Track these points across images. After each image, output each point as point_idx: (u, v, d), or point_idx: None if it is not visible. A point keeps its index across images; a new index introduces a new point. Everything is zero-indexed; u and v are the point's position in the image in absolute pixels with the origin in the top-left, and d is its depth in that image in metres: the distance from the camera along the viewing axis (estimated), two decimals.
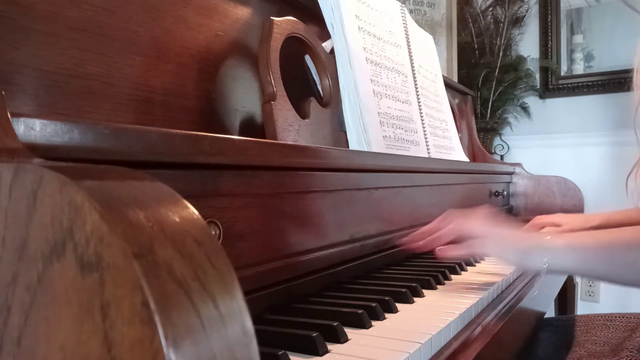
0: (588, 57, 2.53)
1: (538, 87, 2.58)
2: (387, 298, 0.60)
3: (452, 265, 0.83)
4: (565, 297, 1.68)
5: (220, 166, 0.52)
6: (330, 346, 0.47)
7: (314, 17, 0.95)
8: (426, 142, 1.17)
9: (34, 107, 0.53)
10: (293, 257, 0.63)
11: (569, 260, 0.68)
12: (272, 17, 0.81)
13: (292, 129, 0.79)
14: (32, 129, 0.35)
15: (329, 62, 0.92)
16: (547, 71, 2.54)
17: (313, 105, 0.85)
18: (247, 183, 0.56)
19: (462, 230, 0.74)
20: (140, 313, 0.21)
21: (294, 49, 0.88)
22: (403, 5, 1.23)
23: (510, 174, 1.77)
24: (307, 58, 0.93)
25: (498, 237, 0.72)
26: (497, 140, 2.64)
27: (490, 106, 2.50)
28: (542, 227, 1.10)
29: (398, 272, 0.81)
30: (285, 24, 0.83)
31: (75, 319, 0.23)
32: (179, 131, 0.47)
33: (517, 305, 0.70)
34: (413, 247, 0.78)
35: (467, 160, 1.48)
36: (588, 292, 2.41)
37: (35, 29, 0.53)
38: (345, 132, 0.91)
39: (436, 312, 0.59)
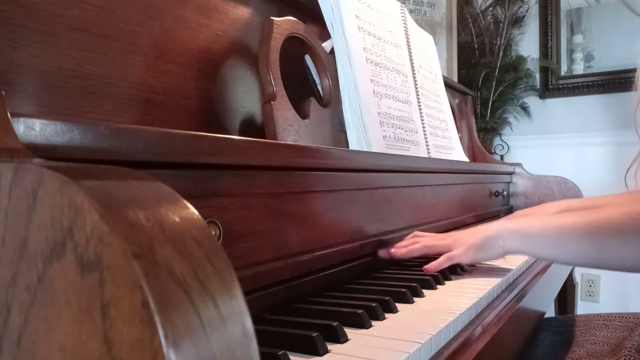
0: (588, 57, 2.53)
1: (538, 87, 2.58)
2: (387, 298, 0.60)
3: (452, 265, 0.83)
4: (565, 297, 1.68)
5: (220, 166, 0.52)
6: (330, 346, 0.47)
7: (314, 17, 0.96)
8: (426, 142, 1.17)
9: (34, 107, 0.53)
10: (293, 257, 0.63)
11: (519, 242, 0.76)
12: (272, 17, 0.81)
13: (292, 129, 0.79)
14: (32, 129, 0.35)
15: (329, 62, 0.92)
16: (547, 71, 2.54)
17: (313, 105, 0.85)
18: (247, 183, 0.56)
19: (431, 249, 0.82)
20: (140, 313, 0.21)
21: (294, 49, 0.88)
22: (403, 5, 1.23)
23: (510, 174, 1.77)
24: (307, 58, 0.93)
25: (461, 244, 0.80)
26: (497, 140, 2.64)
27: (490, 106, 2.51)
28: None
29: (398, 272, 0.81)
30: (285, 24, 0.83)
31: (75, 319, 0.23)
32: (178, 131, 0.47)
33: (517, 305, 0.70)
34: (393, 255, 0.83)
35: (467, 160, 1.48)
36: (588, 292, 2.41)
37: (35, 29, 0.53)
38: (345, 132, 0.91)
39: (436, 312, 0.59)
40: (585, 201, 1.10)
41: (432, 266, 0.77)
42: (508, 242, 0.76)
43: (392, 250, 0.83)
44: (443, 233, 0.87)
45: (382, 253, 0.84)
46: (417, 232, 0.88)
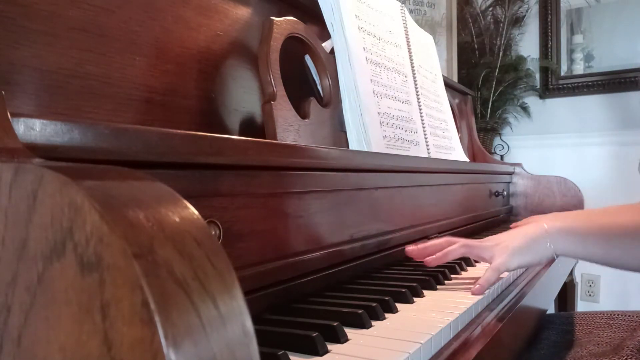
0: (588, 57, 2.53)
1: (538, 87, 2.58)
2: (387, 298, 0.60)
3: (452, 265, 0.83)
4: (565, 297, 1.68)
5: (220, 166, 0.52)
6: (330, 346, 0.47)
7: (314, 17, 0.96)
8: (426, 142, 1.17)
9: (34, 107, 0.53)
10: (293, 257, 0.63)
11: (571, 243, 0.69)
12: (272, 17, 0.81)
13: (292, 129, 0.79)
14: (32, 129, 0.35)
15: (329, 62, 0.92)
16: (547, 71, 2.54)
17: (313, 105, 0.85)
18: (247, 183, 0.56)
19: (471, 250, 0.76)
20: (140, 313, 0.21)
21: (294, 49, 0.88)
22: (403, 5, 1.23)
23: (510, 174, 1.77)
24: (307, 58, 0.93)
25: (503, 249, 0.72)
26: (497, 140, 2.64)
27: (490, 106, 2.51)
28: None
29: (398, 272, 0.81)
30: (285, 24, 0.83)
31: (75, 319, 0.23)
32: (178, 131, 0.47)
33: (517, 305, 0.70)
34: (423, 261, 0.77)
35: (467, 160, 1.48)
36: (588, 292, 2.41)
37: (35, 29, 0.53)
38: (345, 132, 0.91)
39: (436, 312, 0.59)
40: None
41: (482, 285, 0.68)
42: (558, 243, 0.70)
43: (430, 259, 0.76)
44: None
45: (410, 251, 0.78)
46: (449, 237, 0.79)
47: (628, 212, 0.66)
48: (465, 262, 0.88)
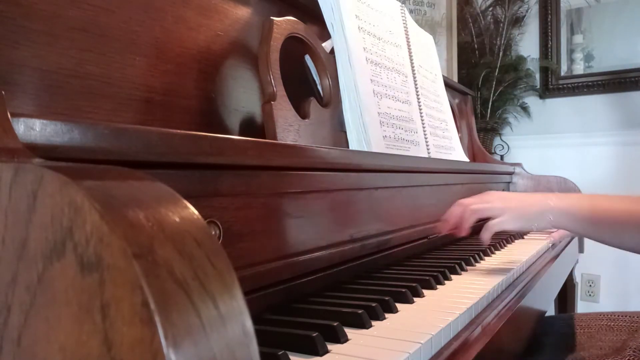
0: (588, 57, 2.54)
1: (538, 87, 2.58)
2: (387, 298, 0.60)
3: (452, 265, 0.83)
4: (565, 297, 1.68)
5: (220, 166, 0.52)
6: (330, 346, 0.47)
7: (314, 17, 0.96)
8: (426, 142, 1.17)
9: (34, 107, 0.53)
10: (293, 257, 0.63)
11: (569, 222, 0.81)
12: (272, 17, 0.81)
13: (292, 129, 0.79)
14: (32, 129, 0.35)
15: (329, 62, 0.92)
16: (547, 71, 2.54)
17: (313, 105, 0.85)
18: (247, 183, 0.56)
19: (482, 213, 0.85)
20: (140, 313, 0.21)
21: (294, 49, 0.88)
22: (403, 5, 1.23)
23: (510, 174, 1.77)
24: (307, 58, 0.93)
25: (512, 210, 0.83)
26: (497, 140, 2.64)
27: (490, 106, 2.51)
28: None
29: (398, 272, 0.81)
30: (285, 24, 0.83)
31: (75, 319, 0.23)
32: (178, 131, 0.47)
33: (517, 305, 0.70)
34: (450, 233, 0.89)
35: (467, 160, 1.48)
36: (588, 292, 2.41)
37: (35, 29, 0.53)
38: (345, 132, 0.91)
39: (436, 312, 0.59)
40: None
41: (486, 236, 0.83)
42: (558, 219, 0.80)
43: (456, 232, 0.87)
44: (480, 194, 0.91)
45: (440, 229, 0.90)
46: (459, 201, 0.89)
47: (628, 201, 0.76)
48: (466, 262, 0.88)
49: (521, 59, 2.52)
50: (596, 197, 0.82)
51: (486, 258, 0.97)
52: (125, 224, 0.23)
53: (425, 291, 0.69)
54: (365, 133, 0.90)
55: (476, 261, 0.92)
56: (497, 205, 0.84)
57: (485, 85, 2.50)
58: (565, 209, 0.80)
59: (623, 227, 0.75)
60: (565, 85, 2.52)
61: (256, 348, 0.25)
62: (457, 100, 1.83)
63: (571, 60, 2.56)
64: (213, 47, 0.77)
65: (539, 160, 2.46)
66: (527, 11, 2.57)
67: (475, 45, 2.56)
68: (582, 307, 2.36)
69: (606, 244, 0.81)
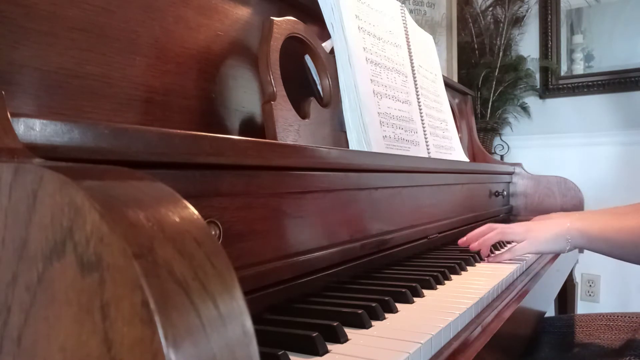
0: (588, 57, 2.54)
1: (538, 87, 2.58)
2: (387, 298, 0.60)
3: (452, 265, 0.83)
4: (566, 297, 1.68)
5: (220, 166, 0.52)
6: (330, 346, 0.47)
7: (314, 17, 0.96)
8: (426, 142, 1.17)
9: (34, 107, 0.53)
10: (293, 257, 0.63)
11: (586, 242, 0.85)
12: (272, 17, 0.81)
13: (292, 129, 0.79)
14: (32, 129, 0.35)
15: (329, 62, 0.92)
16: (547, 71, 2.54)
17: (313, 105, 0.85)
18: (247, 183, 0.56)
19: (505, 236, 0.93)
20: (140, 313, 0.21)
21: (294, 49, 0.88)
22: (403, 5, 1.23)
23: (510, 174, 1.77)
24: (307, 58, 0.93)
25: (534, 237, 0.89)
26: (497, 140, 2.64)
27: (490, 106, 2.51)
28: None
29: (398, 272, 0.81)
30: (285, 24, 0.83)
31: (75, 319, 0.23)
32: (178, 131, 0.47)
33: (517, 305, 0.70)
34: (470, 248, 0.95)
35: (467, 160, 1.48)
36: (588, 292, 2.41)
37: (35, 29, 0.53)
38: (345, 132, 0.91)
39: (436, 312, 0.59)
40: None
41: (505, 256, 0.91)
42: (575, 240, 0.85)
43: (472, 246, 0.94)
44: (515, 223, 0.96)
45: (462, 243, 0.96)
46: (490, 225, 0.96)
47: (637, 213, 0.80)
48: (466, 262, 0.88)
49: (521, 59, 2.52)
50: (608, 213, 0.86)
51: (486, 259, 0.96)
52: (125, 224, 0.23)
53: (425, 291, 0.69)
54: (365, 133, 0.90)
55: (476, 261, 0.92)
56: (519, 230, 0.91)
57: (485, 85, 2.50)
58: (582, 229, 0.84)
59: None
60: (565, 85, 2.52)
61: (256, 348, 0.25)
62: (457, 100, 1.83)
63: (571, 60, 2.56)
64: (213, 47, 0.77)
65: (539, 160, 2.46)
66: (527, 11, 2.57)
67: (475, 45, 2.56)
68: (582, 307, 2.36)
69: (624, 260, 0.83)
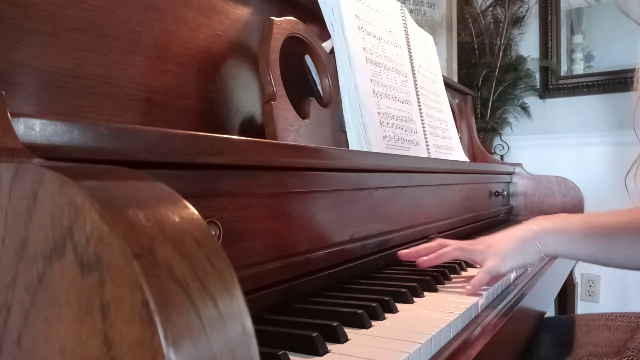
0: (588, 57, 2.53)
1: (538, 87, 2.58)
2: (387, 298, 0.60)
3: (452, 265, 0.83)
4: (565, 297, 1.68)
5: (220, 166, 0.52)
6: (330, 346, 0.47)
7: (314, 17, 0.95)
8: (426, 142, 1.17)
9: (34, 107, 0.53)
10: (293, 257, 0.63)
11: (559, 243, 0.70)
12: (272, 17, 0.81)
13: (292, 129, 0.79)
14: (32, 129, 0.35)
15: (329, 62, 0.92)
16: (547, 71, 2.54)
17: (313, 105, 0.85)
18: (247, 183, 0.56)
19: (464, 253, 0.77)
20: (140, 313, 0.21)
21: (294, 49, 0.88)
22: (403, 5, 1.23)
23: (510, 174, 1.77)
24: (307, 58, 0.93)
25: (495, 253, 0.73)
26: (497, 140, 2.64)
27: (490, 106, 2.50)
28: None
29: (398, 272, 0.81)
30: (285, 24, 0.83)
31: (75, 319, 0.23)
32: (178, 131, 0.47)
33: (517, 305, 0.70)
34: (416, 261, 0.79)
35: (467, 160, 1.48)
36: (588, 292, 2.41)
37: (35, 29, 0.53)
38: (345, 132, 0.91)
39: (436, 312, 0.59)
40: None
41: (474, 286, 0.69)
42: (547, 243, 0.70)
43: (422, 260, 0.77)
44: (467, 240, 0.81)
45: (403, 255, 0.79)
46: (441, 240, 0.81)
47: (618, 213, 0.67)
48: (466, 262, 0.88)
49: (521, 59, 2.52)
50: (582, 214, 0.74)
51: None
52: (125, 224, 0.23)
53: (425, 291, 0.69)
54: (365, 133, 0.90)
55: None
56: (479, 248, 0.74)
57: (485, 85, 2.50)
58: (552, 228, 0.70)
59: (620, 235, 0.65)
60: (565, 85, 2.51)
61: (256, 348, 0.25)
62: (457, 100, 1.83)
63: (571, 60, 2.56)
64: (213, 47, 0.77)
65: (539, 160, 2.46)
66: (527, 11, 2.57)
67: (475, 45, 2.56)
68: (582, 307, 2.36)
69: (599, 262, 0.71)
